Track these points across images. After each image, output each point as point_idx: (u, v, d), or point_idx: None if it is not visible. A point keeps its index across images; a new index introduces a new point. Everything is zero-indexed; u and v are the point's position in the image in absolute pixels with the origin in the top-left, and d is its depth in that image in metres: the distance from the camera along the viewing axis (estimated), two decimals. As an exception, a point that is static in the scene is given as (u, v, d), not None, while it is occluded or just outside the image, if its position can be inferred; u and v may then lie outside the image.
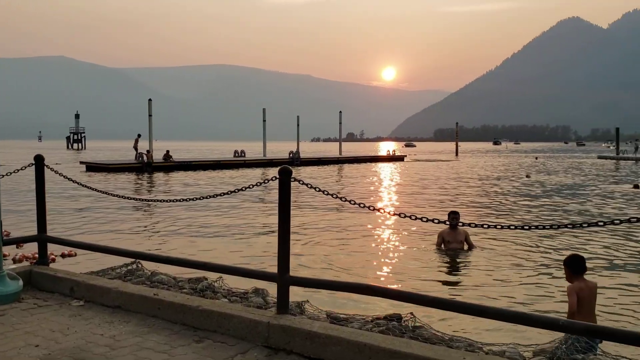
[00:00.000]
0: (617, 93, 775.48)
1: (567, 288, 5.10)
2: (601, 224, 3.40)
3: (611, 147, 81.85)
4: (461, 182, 27.32)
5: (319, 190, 4.43)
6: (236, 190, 4.97)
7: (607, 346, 4.39)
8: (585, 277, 5.14)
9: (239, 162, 41.32)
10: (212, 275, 5.59)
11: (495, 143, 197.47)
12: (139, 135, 40.42)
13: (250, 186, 4.94)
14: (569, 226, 3.80)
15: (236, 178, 29.30)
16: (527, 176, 31.05)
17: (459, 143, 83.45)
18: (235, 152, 48.00)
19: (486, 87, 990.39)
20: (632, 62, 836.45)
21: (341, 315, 4.67)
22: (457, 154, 73.17)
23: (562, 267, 5.31)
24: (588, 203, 18.11)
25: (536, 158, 64.04)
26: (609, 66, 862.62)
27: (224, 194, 5.22)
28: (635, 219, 3.09)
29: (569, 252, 9.81)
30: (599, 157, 61.70)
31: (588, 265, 5.29)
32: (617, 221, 3.26)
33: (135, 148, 39.01)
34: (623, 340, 3.06)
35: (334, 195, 4.39)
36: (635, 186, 23.58)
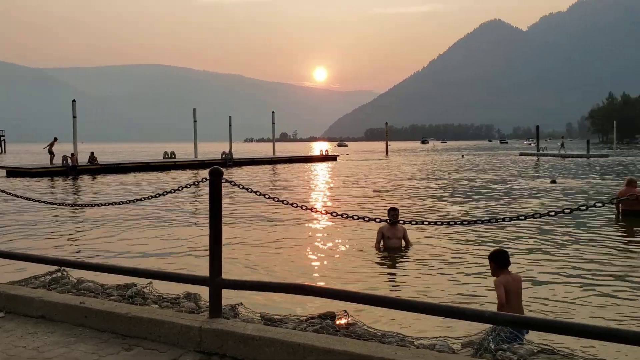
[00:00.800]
0: (537, 93, 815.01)
1: (495, 282, 5.31)
2: (522, 218, 3.56)
3: (532, 145, 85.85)
4: (393, 180, 27.89)
5: (252, 191, 4.39)
6: (165, 193, 4.85)
7: (532, 336, 4.60)
8: (510, 270, 5.37)
9: (169, 164, 40.39)
10: (141, 281, 5.43)
11: (423, 142, 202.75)
12: (55, 139, 38.73)
13: (180, 188, 4.84)
14: (493, 220, 3.95)
15: (166, 180, 28.65)
16: (448, 173, 31.97)
17: (389, 142, 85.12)
18: (165, 153, 46.92)
19: (414, 87, 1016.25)
20: (550, 63, 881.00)
21: (275, 317, 4.65)
22: (387, 153, 74.61)
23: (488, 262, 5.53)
24: (511, 198, 18.93)
25: (462, 156, 66.24)
26: (529, 67, 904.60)
27: (153, 196, 5.09)
28: (553, 213, 3.25)
29: (496, 247, 10.25)
30: (521, 154, 64.60)
31: (513, 259, 5.52)
32: (537, 215, 3.42)
33: (50, 152, 37.25)
34: (546, 329, 3.21)
35: (267, 196, 4.37)
36: (553, 181, 24.90)
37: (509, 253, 5.55)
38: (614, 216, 13.53)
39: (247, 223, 13.35)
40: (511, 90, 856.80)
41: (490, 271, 5.49)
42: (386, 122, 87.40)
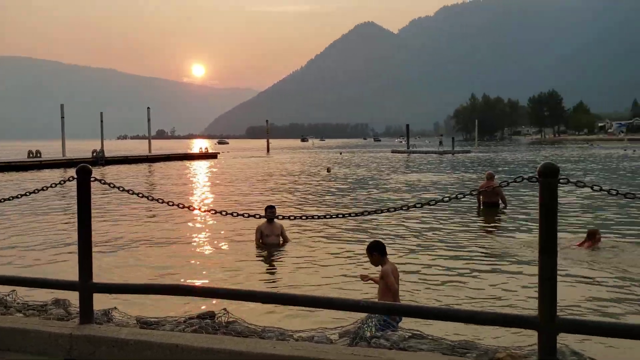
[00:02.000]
0: (407, 93, 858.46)
1: (383, 271, 5.52)
2: (392, 210, 3.75)
3: (403, 142, 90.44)
4: (274, 177, 28.04)
5: (124, 190, 4.23)
6: (27, 193, 4.52)
7: (406, 323, 4.87)
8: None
9: (33, 164, 37.48)
10: (3, 289, 5.02)
11: (303, 140, 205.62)
12: None
13: (44, 188, 4.53)
14: (366, 213, 4.13)
15: (30, 181, 26.56)
16: (328, 170, 32.73)
17: (270, 140, 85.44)
18: (30, 152, 43.50)
19: (294, 86, 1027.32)
20: (419, 65, 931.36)
21: (152, 319, 4.51)
22: (268, 151, 74.85)
23: (365, 252, 5.75)
24: (383, 192, 19.82)
25: (340, 153, 68.13)
26: (400, 68, 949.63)
27: (15, 197, 4.72)
28: (420, 205, 3.46)
29: (369, 238, 10.69)
30: (393, 152, 67.76)
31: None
32: (405, 207, 3.62)
33: None
34: (418, 316, 3.42)
35: (140, 195, 4.22)
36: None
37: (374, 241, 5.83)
38: (476, 208, 14.66)
39: (121, 223, 12.78)
40: (384, 90, 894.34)
41: (370, 262, 5.66)
42: (267, 120, 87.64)
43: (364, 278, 5.86)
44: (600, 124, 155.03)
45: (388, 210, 3.52)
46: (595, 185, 2.88)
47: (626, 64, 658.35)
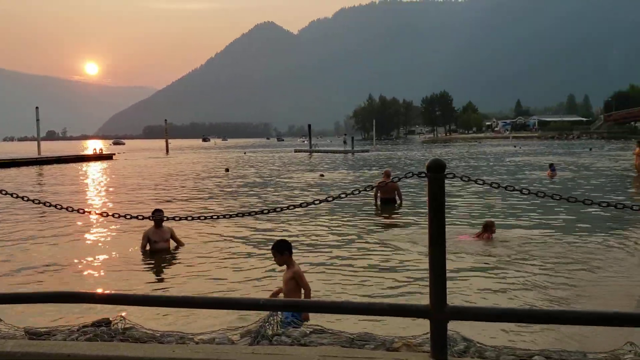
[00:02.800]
0: (308, 93, 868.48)
1: (296, 272, 5.53)
2: (292, 207, 3.79)
3: (305, 142, 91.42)
4: (174, 178, 27.31)
5: (6, 193, 3.95)
6: None
7: (313, 319, 4.95)
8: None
9: None
10: None
11: (205, 140, 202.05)
12: None
13: None
14: (266, 211, 4.14)
15: None
16: (227, 170, 32.26)
17: (169, 140, 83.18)
18: None
19: (193, 84, 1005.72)
20: (320, 65, 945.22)
21: (42, 330, 4.26)
22: (167, 152, 72.78)
23: (270, 252, 5.75)
24: (286, 190, 19.93)
25: (245, 153, 67.64)
26: (301, 69, 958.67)
27: None
28: (319, 201, 3.52)
29: (263, 237, 10.72)
30: (296, 151, 68.31)
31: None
32: (304, 204, 3.67)
33: None
34: (317, 310, 3.47)
35: (25, 198, 3.97)
36: (321, 175, 26.93)
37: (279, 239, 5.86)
38: (374, 204, 15.12)
39: (6, 230, 11.90)
40: (285, 90, 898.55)
41: (278, 262, 5.64)
42: (165, 120, 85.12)
43: (277, 294, 5.82)
44: (487, 123, 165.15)
45: (288, 208, 3.56)
46: (479, 179, 3.08)
47: (510, 64, 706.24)
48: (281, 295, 5.66)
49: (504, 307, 5.56)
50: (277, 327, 4.24)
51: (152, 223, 9.49)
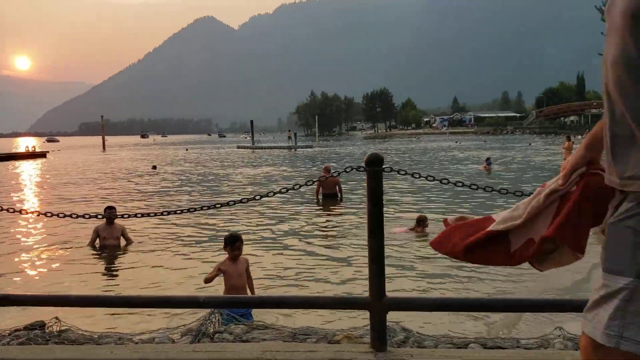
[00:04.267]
0: (250, 89, 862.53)
1: (248, 267, 5.55)
2: (232, 203, 3.77)
3: (248, 138, 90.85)
4: (112, 176, 26.54)
5: None
6: None
7: (258, 315, 4.93)
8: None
9: None
10: None
11: (143, 136, 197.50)
12: None
13: None
14: (212, 206, 4.10)
15: None
16: (154, 167, 31.22)
17: (107, 137, 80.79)
18: None
19: (131, 79, 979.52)
20: (259, 62, 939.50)
21: (-30, 336, 4.06)
22: (104, 148, 70.66)
23: (211, 248, 5.71)
24: (228, 186, 19.76)
25: (187, 149, 66.51)
26: (241, 65, 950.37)
27: None
28: (259, 197, 3.51)
29: (207, 233, 10.62)
30: (238, 147, 67.70)
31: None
32: (245, 200, 3.66)
33: None
34: (258, 306, 3.47)
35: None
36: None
37: (230, 233, 5.81)
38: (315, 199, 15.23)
39: None
40: (227, 86, 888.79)
41: (231, 257, 5.55)
42: (102, 116, 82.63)
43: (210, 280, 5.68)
44: (425, 119, 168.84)
45: (227, 204, 3.53)
46: (416, 173, 3.15)
47: (446, 61, 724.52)
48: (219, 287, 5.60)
49: (440, 297, 5.73)
50: (218, 324, 4.22)
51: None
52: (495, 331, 4.79)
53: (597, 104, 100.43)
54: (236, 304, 3.64)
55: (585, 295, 5.63)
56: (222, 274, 5.42)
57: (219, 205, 3.43)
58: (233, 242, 5.47)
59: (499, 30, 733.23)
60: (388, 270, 7.36)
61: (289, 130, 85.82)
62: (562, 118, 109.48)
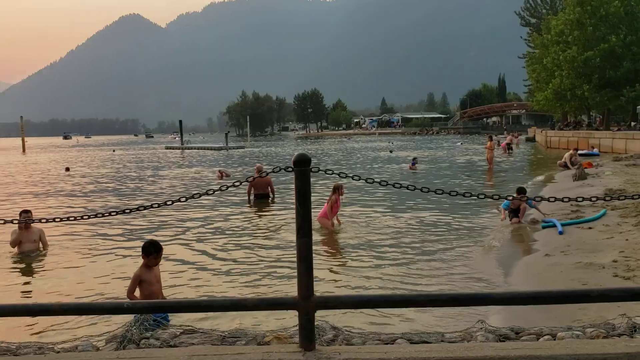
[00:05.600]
0: (178, 88, 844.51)
1: (157, 275, 5.43)
2: (156, 205, 3.68)
3: (177, 138, 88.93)
4: (29, 179, 25.27)
5: None
6: None
7: (176, 318, 4.83)
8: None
9: None
10: None
11: (66, 137, 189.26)
12: None
13: None
14: (137, 209, 3.98)
15: None
16: (67, 169, 29.92)
17: (26, 138, 77.01)
18: None
19: (53, 78, 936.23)
20: (189, 60, 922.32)
21: None
22: (24, 150, 67.27)
23: (138, 252, 5.54)
24: (157, 187, 19.27)
25: (114, 151, 64.40)
26: (170, 63, 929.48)
27: None
28: (185, 198, 3.45)
29: (132, 236, 10.33)
30: (167, 148, 66.15)
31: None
32: (170, 202, 3.58)
33: None
34: (185, 310, 3.40)
35: None
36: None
37: (152, 241, 5.65)
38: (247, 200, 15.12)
39: None
40: (154, 85, 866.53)
41: (154, 264, 5.41)
42: (21, 116, 78.61)
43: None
44: (356, 120, 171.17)
45: (151, 207, 3.45)
46: (342, 173, 3.20)
47: (375, 63, 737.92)
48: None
49: (366, 294, 5.84)
50: (143, 329, 4.11)
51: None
52: (422, 326, 4.93)
53: (517, 105, 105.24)
54: (162, 308, 3.55)
55: (504, 290, 5.89)
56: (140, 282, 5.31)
57: (142, 208, 3.34)
58: (158, 251, 5.39)
59: (424, 35, 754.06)
60: (320, 267, 7.39)
61: (227, 133, 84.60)
62: (484, 119, 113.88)
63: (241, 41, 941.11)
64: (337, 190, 10.71)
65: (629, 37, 37.48)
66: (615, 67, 38.05)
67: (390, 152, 39.65)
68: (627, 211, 9.92)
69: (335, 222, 10.80)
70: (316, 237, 9.31)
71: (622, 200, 7.50)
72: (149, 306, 3.33)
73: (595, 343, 2.92)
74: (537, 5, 65.59)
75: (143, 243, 5.56)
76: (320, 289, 6.34)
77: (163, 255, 5.63)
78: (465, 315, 5.23)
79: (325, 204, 10.75)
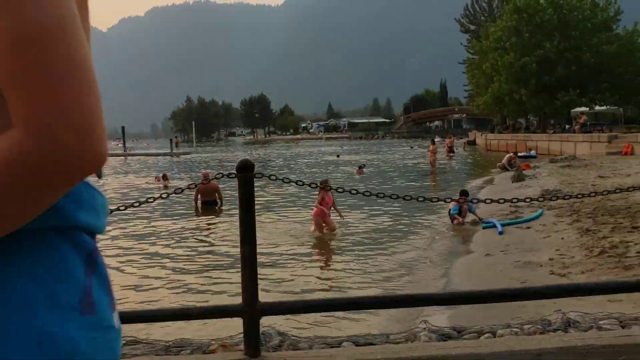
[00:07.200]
0: (120, 93, 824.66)
1: None
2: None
3: (119, 145, 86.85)
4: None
5: None
6: None
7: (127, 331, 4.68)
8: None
9: None
10: None
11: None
12: None
13: None
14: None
15: None
16: None
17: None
18: None
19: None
20: (131, 65, 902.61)
21: None
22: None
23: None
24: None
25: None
26: (111, 66, 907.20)
27: None
28: (124, 207, 3.37)
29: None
30: (110, 155, 64.30)
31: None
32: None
33: None
34: (129, 321, 3.31)
35: None
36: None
37: None
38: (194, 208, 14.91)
39: None
40: (104, 88, 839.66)
41: None
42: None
43: None
44: (303, 125, 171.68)
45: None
46: (286, 178, 3.21)
47: (321, 69, 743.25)
48: None
49: (312, 298, 5.86)
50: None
51: None
52: (368, 328, 4.99)
53: (458, 109, 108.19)
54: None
55: (445, 290, 6.02)
56: None
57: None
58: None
59: (368, 41, 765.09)
60: (265, 273, 7.35)
61: (176, 137, 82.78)
62: (427, 123, 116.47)
63: (185, 45, 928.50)
64: (324, 185, 10.61)
65: (562, 44, 39.23)
66: (550, 72, 39.73)
67: (337, 156, 39.97)
68: (563, 211, 10.35)
69: (327, 225, 10.64)
70: (265, 243, 9.27)
71: (554, 200, 7.81)
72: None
73: (532, 339, 3.03)
74: (476, 12, 67.74)
75: None
76: (268, 295, 6.32)
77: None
78: (410, 316, 5.32)
79: (316, 209, 10.59)
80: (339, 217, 10.83)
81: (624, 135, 28.02)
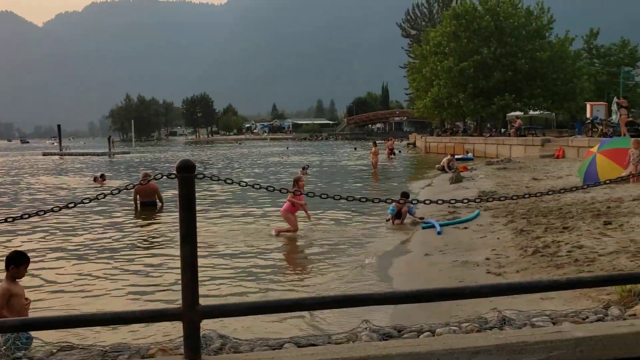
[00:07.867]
0: (52, 91, 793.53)
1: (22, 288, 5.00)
2: (41, 213, 3.44)
3: (55, 144, 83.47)
4: None
5: None
6: None
7: (52, 335, 4.51)
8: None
9: None
10: None
11: None
12: None
13: None
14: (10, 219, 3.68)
15: None
16: None
17: None
18: None
19: None
20: (65, 61, 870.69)
21: None
22: None
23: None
24: (30, 195, 17.98)
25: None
26: (45, 63, 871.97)
27: None
28: (58, 208, 3.24)
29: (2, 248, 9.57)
30: (44, 154, 61.81)
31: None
32: (42, 212, 3.36)
33: None
34: (64, 326, 3.20)
35: None
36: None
37: (18, 251, 5.22)
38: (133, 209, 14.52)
39: None
40: (26, 87, 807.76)
41: (18, 276, 4.98)
42: None
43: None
44: (247, 125, 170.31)
45: (21, 217, 3.21)
46: (228, 179, 3.16)
47: (265, 70, 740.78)
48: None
49: (254, 300, 5.82)
50: (15, 349, 3.81)
51: None
52: (311, 329, 5.00)
53: (399, 112, 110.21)
54: (39, 325, 3.30)
55: (385, 290, 6.12)
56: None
57: (11, 219, 3.10)
58: (27, 261, 4.97)
59: (312, 43, 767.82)
60: (207, 276, 7.25)
61: (110, 136, 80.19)
62: (369, 125, 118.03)
63: (125, 42, 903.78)
64: (296, 183, 10.52)
65: (498, 50, 40.60)
66: (487, 77, 41.05)
67: (281, 158, 40.00)
68: (498, 212, 10.71)
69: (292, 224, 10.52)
70: (206, 245, 9.14)
71: (491, 201, 8.07)
72: (19, 324, 3.08)
73: (469, 337, 3.11)
74: (417, 17, 69.18)
75: (9, 253, 5.09)
76: (210, 298, 6.23)
77: (36, 269, 5.25)
78: (352, 316, 5.37)
79: (288, 204, 10.50)
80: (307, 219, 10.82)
81: (556, 139, 29.34)
